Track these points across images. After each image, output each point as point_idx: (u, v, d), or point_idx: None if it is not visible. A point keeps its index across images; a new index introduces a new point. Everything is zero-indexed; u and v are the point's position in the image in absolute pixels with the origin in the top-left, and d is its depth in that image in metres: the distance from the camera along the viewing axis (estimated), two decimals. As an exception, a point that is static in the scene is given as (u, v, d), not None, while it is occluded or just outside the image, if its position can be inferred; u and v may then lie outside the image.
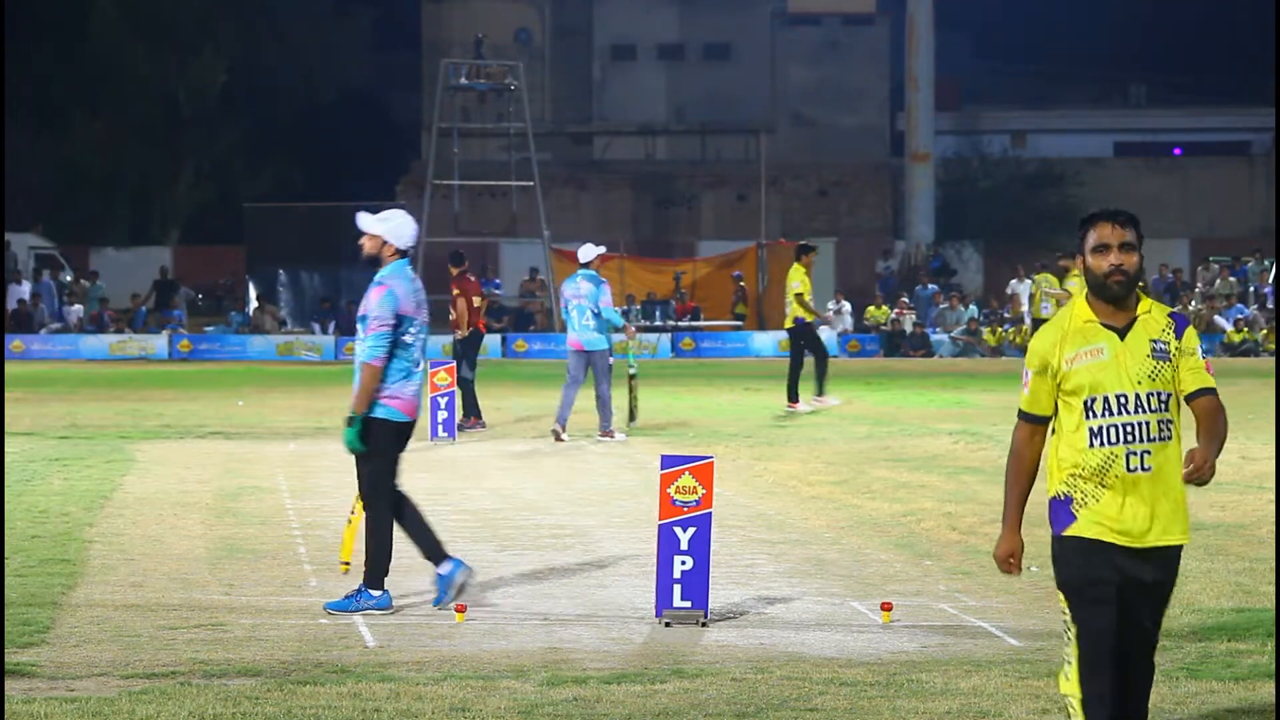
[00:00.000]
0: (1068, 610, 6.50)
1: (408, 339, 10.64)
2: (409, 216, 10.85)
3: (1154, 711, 8.17)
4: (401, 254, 10.73)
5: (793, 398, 25.64)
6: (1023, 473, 6.64)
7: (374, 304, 10.63)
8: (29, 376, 35.50)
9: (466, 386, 22.85)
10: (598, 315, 21.40)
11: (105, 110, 63.56)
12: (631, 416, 22.21)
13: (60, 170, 63.01)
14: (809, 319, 25.84)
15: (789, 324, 26.00)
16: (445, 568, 10.58)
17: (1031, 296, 45.52)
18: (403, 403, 10.63)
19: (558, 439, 21.21)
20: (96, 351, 46.08)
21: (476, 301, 23.74)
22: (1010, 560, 6.67)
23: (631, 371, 22.24)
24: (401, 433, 10.71)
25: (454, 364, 21.97)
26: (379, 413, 10.57)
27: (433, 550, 10.68)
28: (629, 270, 52.75)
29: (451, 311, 23.64)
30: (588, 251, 21.81)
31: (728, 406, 27.03)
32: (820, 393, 25.97)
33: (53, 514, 14.56)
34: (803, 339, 25.81)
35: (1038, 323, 45.39)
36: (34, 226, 60.08)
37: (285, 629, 10.00)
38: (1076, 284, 26.69)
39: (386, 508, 10.67)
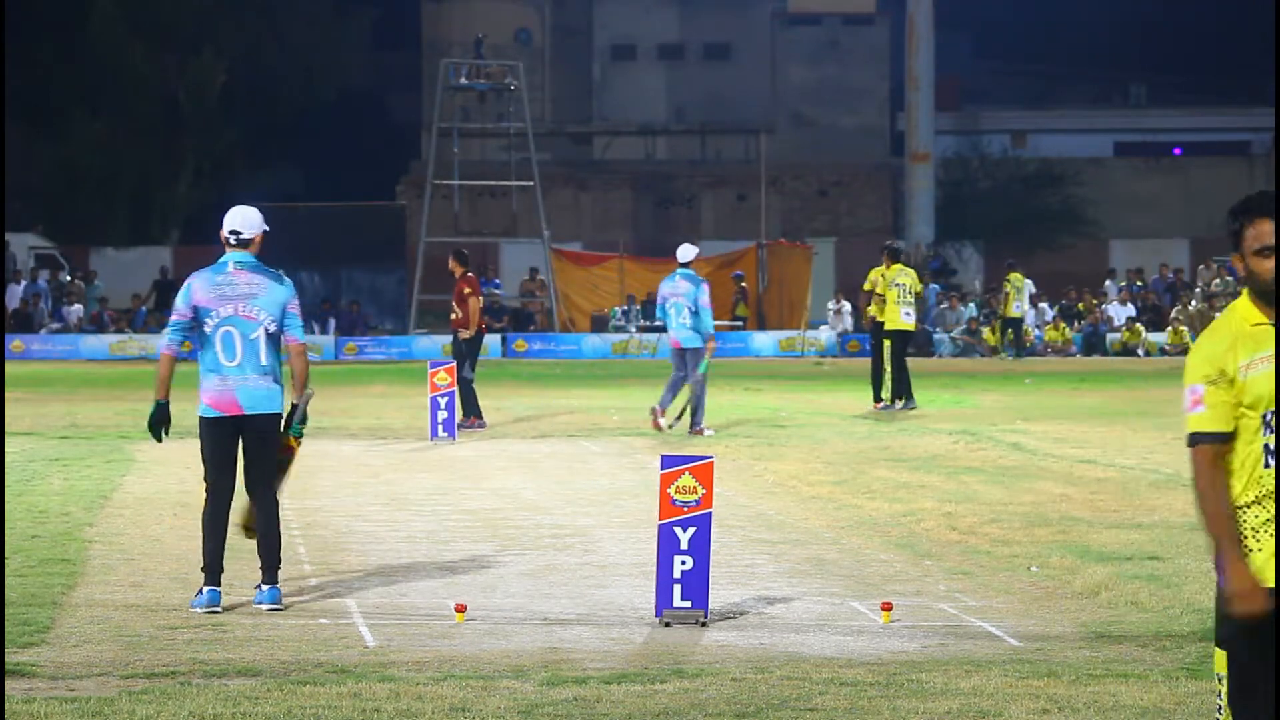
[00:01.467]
0: (1226, 669, 5.65)
1: (206, 329, 10.65)
2: (249, 208, 10.90)
3: (1154, 711, 8.18)
4: (229, 242, 10.73)
5: (877, 398, 25.73)
6: (1224, 502, 5.63)
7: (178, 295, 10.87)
8: (29, 376, 35.48)
9: (467, 386, 22.83)
10: (694, 313, 21.63)
11: (105, 110, 63.51)
12: (679, 417, 21.96)
13: (60, 170, 62.96)
14: (880, 318, 25.84)
15: (889, 325, 25.88)
16: (205, 592, 10.58)
17: (1005, 296, 45.58)
18: (211, 398, 10.65)
19: (655, 424, 21.60)
20: (96, 351, 46.06)
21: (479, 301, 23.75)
22: (1258, 593, 5.57)
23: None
24: (215, 428, 10.65)
25: (454, 364, 21.93)
26: (199, 410, 10.69)
27: (213, 563, 10.66)
28: (629, 270, 52.72)
29: (455, 310, 23.61)
30: (687, 252, 22.12)
31: (728, 406, 27.02)
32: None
33: (53, 514, 14.55)
34: (878, 338, 25.86)
35: (1007, 321, 45.46)
36: (34, 226, 60.06)
37: (285, 629, 10.00)
38: (908, 280, 25.89)
39: (206, 503, 10.76)
